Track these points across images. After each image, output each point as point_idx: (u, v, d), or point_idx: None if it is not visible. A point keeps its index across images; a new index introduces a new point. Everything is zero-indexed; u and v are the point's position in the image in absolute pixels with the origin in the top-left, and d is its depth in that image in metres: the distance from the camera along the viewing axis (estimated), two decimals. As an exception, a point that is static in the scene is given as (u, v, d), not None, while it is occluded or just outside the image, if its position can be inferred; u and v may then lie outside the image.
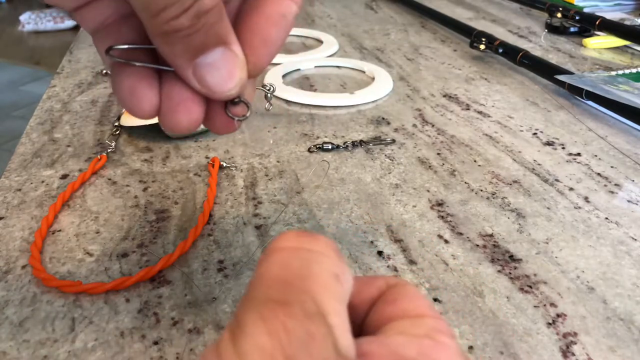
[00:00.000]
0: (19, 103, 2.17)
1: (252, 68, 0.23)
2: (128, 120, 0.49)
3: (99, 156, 0.46)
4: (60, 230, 0.38)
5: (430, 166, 0.46)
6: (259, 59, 0.23)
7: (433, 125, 0.53)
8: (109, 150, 0.47)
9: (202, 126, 0.49)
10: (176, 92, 0.23)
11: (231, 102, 0.24)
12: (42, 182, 0.43)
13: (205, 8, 0.20)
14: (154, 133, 0.49)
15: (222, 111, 0.25)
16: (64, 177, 0.44)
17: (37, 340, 0.29)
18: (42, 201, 0.40)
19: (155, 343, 0.29)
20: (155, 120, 0.45)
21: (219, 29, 0.21)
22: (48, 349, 0.29)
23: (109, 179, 0.43)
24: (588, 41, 0.75)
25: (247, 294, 0.16)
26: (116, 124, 0.51)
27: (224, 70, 0.22)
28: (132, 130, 0.50)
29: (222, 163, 0.45)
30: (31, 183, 0.43)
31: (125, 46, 0.23)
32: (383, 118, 0.54)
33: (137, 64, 0.23)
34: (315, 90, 0.60)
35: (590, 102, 0.56)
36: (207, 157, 0.47)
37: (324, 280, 0.16)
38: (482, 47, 0.69)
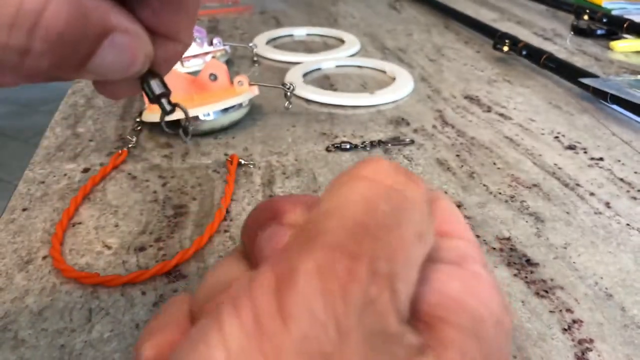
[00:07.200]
0: (48, 98, 2.22)
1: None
2: (149, 116, 0.50)
3: (120, 151, 0.46)
4: (80, 223, 0.38)
5: (448, 168, 0.46)
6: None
7: (453, 127, 0.53)
8: (130, 146, 0.48)
9: (222, 123, 0.50)
10: None
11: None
12: (65, 175, 0.44)
13: (58, 22, 0.15)
14: (175, 129, 0.50)
15: None
16: (86, 170, 0.44)
17: (55, 329, 0.30)
18: (64, 194, 0.41)
19: (169, 336, 0.29)
20: (176, 117, 0.46)
21: (92, 27, 0.16)
22: (65, 338, 0.29)
23: (129, 174, 0.44)
24: (615, 44, 0.74)
25: (311, 222, 0.13)
26: (138, 119, 0.52)
27: (121, 61, 0.18)
28: (153, 126, 0.51)
29: (240, 160, 0.45)
30: (54, 176, 0.44)
31: None
32: (403, 118, 0.54)
33: None
34: (335, 90, 0.60)
35: (615, 106, 0.55)
36: (225, 154, 0.47)
37: (407, 238, 0.13)
38: (506, 48, 0.68)
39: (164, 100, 0.21)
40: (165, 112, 0.21)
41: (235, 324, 0.12)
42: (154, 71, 0.20)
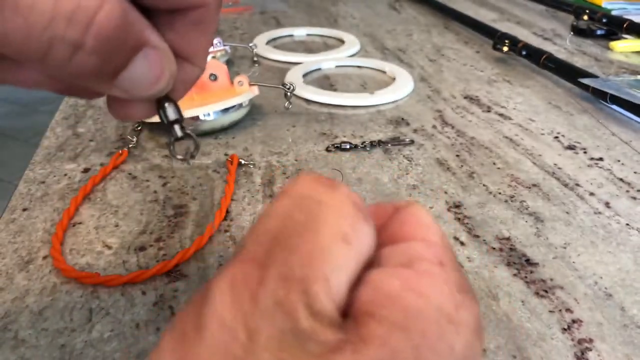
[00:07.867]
0: (48, 98, 2.22)
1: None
2: (150, 116, 0.50)
3: (120, 151, 0.46)
4: (80, 223, 0.38)
5: (448, 168, 0.46)
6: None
7: (453, 127, 0.53)
8: (130, 146, 0.48)
9: (222, 123, 0.50)
10: None
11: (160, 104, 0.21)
12: (65, 175, 0.44)
13: (109, 24, 0.16)
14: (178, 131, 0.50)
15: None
16: (86, 170, 0.44)
17: (55, 329, 0.30)
18: (64, 194, 0.41)
19: (170, 336, 0.29)
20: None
21: (131, 37, 0.17)
22: (65, 338, 0.29)
23: (130, 174, 0.44)
24: (615, 44, 0.74)
25: (236, 249, 0.15)
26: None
27: (148, 77, 0.18)
28: (153, 126, 0.51)
29: (240, 160, 0.45)
30: (54, 176, 0.44)
31: None
32: (402, 119, 0.54)
33: None
34: (335, 90, 0.60)
35: (614, 106, 0.55)
36: (226, 155, 0.47)
37: (324, 241, 0.14)
38: (506, 49, 0.69)
39: (176, 127, 0.21)
40: (176, 139, 0.22)
41: (167, 340, 0.14)
42: (170, 97, 0.21)
